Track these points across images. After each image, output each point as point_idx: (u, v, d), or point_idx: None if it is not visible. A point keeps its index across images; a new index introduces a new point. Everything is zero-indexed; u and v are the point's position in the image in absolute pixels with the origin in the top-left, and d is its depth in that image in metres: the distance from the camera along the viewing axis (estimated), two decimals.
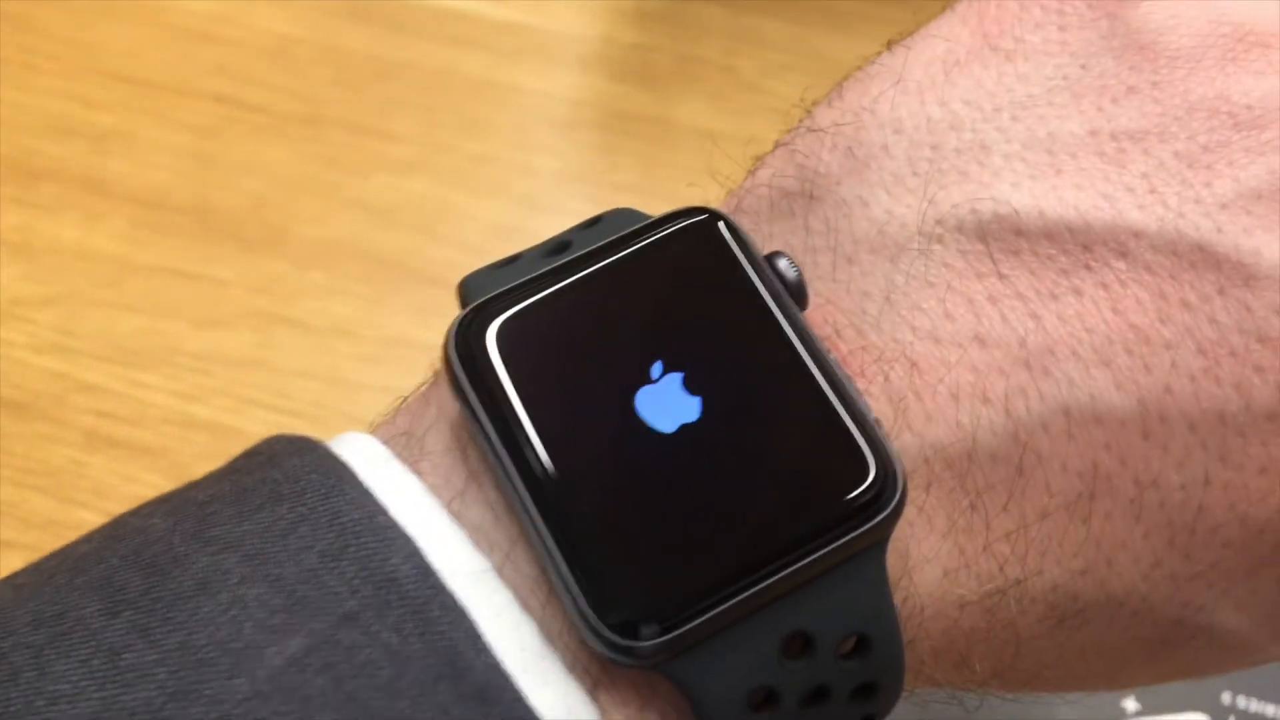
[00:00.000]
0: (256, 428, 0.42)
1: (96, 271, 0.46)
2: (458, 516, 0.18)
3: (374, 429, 0.20)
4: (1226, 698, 0.32)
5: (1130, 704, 0.32)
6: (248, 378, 0.43)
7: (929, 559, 0.19)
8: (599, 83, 0.52)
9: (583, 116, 0.51)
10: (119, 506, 0.20)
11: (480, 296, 0.19)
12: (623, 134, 0.51)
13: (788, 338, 0.18)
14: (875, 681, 0.18)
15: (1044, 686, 0.21)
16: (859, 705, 0.18)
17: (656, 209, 0.21)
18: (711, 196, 0.24)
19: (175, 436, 0.42)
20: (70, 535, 0.20)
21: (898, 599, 0.18)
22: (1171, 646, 0.20)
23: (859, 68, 0.22)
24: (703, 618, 0.17)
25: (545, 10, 0.54)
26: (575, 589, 0.17)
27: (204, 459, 0.37)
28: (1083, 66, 0.20)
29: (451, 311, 0.49)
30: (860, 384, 0.19)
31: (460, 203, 0.49)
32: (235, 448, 0.21)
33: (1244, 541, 0.19)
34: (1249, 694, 0.32)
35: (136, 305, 0.45)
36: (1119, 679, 0.21)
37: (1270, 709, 0.32)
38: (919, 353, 0.19)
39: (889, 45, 0.22)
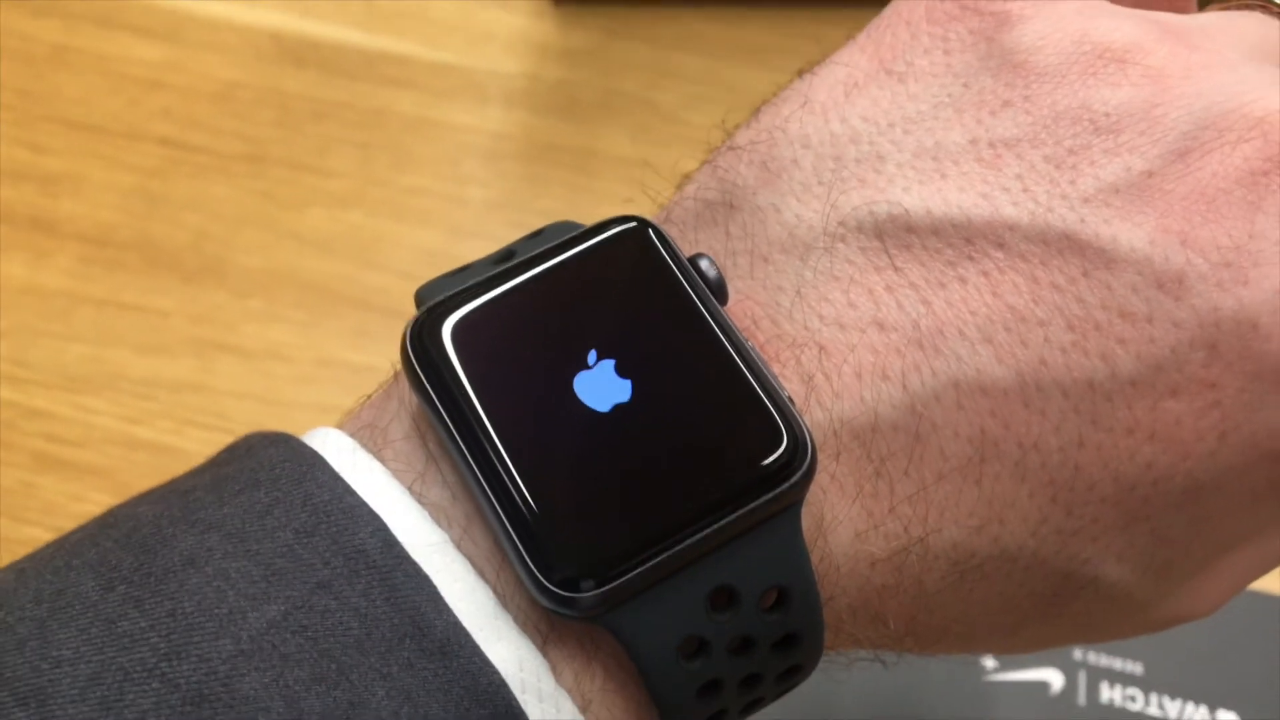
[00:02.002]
0: (196, 447, 0.45)
1: (45, 305, 0.49)
2: (419, 496, 0.20)
3: (341, 424, 0.22)
4: (1078, 654, 0.34)
5: (989, 661, 0.34)
6: (188, 400, 0.46)
7: (841, 521, 0.20)
8: (525, 117, 0.55)
9: (510, 148, 0.54)
10: (68, 523, 0.22)
11: (434, 299, 0.21)
12: (548, 164, 0.53)
13: (709, 327, 0.20)
14: (797, 632, 0.20)
15: (953, 644, 0.23)
16: (784, 655, 0.20)
17: None
18: (646, 211, 0.26)
19: (120, 457, 0.44)
20: (21, 551, 0.21)
21: (815, 559, 0.20)
22: (1064, 599, 0.22)
23: (774, 94, 0.24)
24: (634, 572, 0.19)
25: (474, 51, 0.57)
26: (523, 552, 0.19)
27: (147, 477, 0.39)
28: (964, 85, 0.22)
29: (385, 334, 0.52)
30: (775, 367, 0.21)
31: (393, 232, 0.51)
32: (177, 466, 0.23)
33: (1117, 497, 0.20)
34: (1098, 650, 0.35)
35: (83, 335, 0.48)
36: (1020, 634, 0.23)
37: (1117, 662, 0.34)
38: (826, 338, 0.21)
39: (799, 73, 0.24)
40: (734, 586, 0.19)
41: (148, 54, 0.56)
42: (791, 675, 0.21)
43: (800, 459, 0.19)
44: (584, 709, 0.19)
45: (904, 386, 0.20)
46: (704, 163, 0.24)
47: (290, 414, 0.45)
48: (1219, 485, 0.20)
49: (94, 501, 0.43)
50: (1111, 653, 0.34)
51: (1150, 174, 0.20)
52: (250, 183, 0.53)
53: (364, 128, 0.54)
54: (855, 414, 0.20)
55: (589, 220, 0.23)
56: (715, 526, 0.19)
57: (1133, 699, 0.34)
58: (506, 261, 0.22)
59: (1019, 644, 0.23)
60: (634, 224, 0.21)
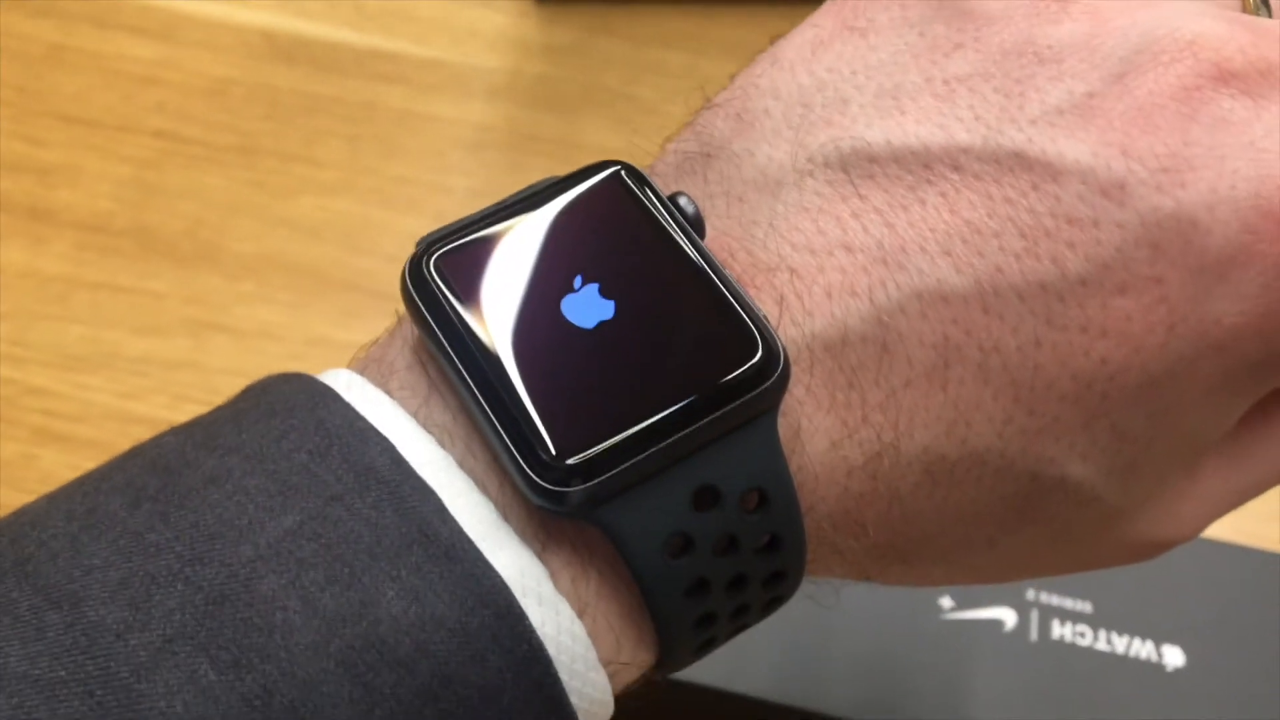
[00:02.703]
0: None
1: (43, 289, 0.50)
2: (424, 420, 0.21)
3: (349, 364, 0.23)
4: (1030, 593, 0.36)
5: (946, 601, 0.36)
6: (181, 378, 0.47)
7: (817, 431, 0.22)
8: (508, 109, 0.57)
9: (493, 139, 0.56)
10: None
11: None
12: (531, 154, 0.55)
13: (686, 252, 0.22)
14: (778, 534, 0.21)
15: (936, 561, 0.24)
16: (768, 559, 0.21)
17: None
18: None
19: (116, 431, 0.46)
20: None
21: (793, 467, 0.21)
22: (1034, 503, 0.23)
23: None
24: (619, 468, 0.20)
25: (460, 48, 0.59)
26: (517, 456, 0.20)
27: None
28: (920, 34, 0.24)
29: (373, 314, 0.53)
30: (751, 292, 0.22)
31: (380, 219, 0.53)
32: None
33: (1076, 394, 0.22)
34: (1050, 590, 0.36)
35: (80, 317, 0.49)
36: (999, 546, 0.24)
37: (1068, 601, 0.36)
38: (798, 262, 0.22)
39: (771, 40, 0.26)
40: (716, 486, 0.21)
41: (143, 52, 0.58)
42: (777, 582, 0.22)
43: (774, 366, 0.21)
44: (581, 613, 0.20)
45: (871, 301, 0.21)
46: (685, 124, 0.26)
47: None
48: (1172, 376, 0.22)
49: None
50: (1062, 592, 0.36)
51: (1091, 95, 0.22)
52: (242, 173, 0.54)
53: (353, 121, 0.56)
54: (826, 329, 0.22)
55: None
56: (695, 426, 0.20)
57: (1082, 635, 0.35)
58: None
59: (1000, 560, 0.24)
60: (616, 166, 0.23)
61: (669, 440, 0.20)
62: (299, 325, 0.49)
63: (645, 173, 0.23)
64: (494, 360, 0.21)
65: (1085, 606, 0.36)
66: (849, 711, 0.34)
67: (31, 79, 0.57)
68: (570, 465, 0.20)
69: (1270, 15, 0.24)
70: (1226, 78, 0.22)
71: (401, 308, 0.22)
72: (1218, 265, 0.21)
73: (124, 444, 0.46)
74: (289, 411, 0.21)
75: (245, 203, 0.53)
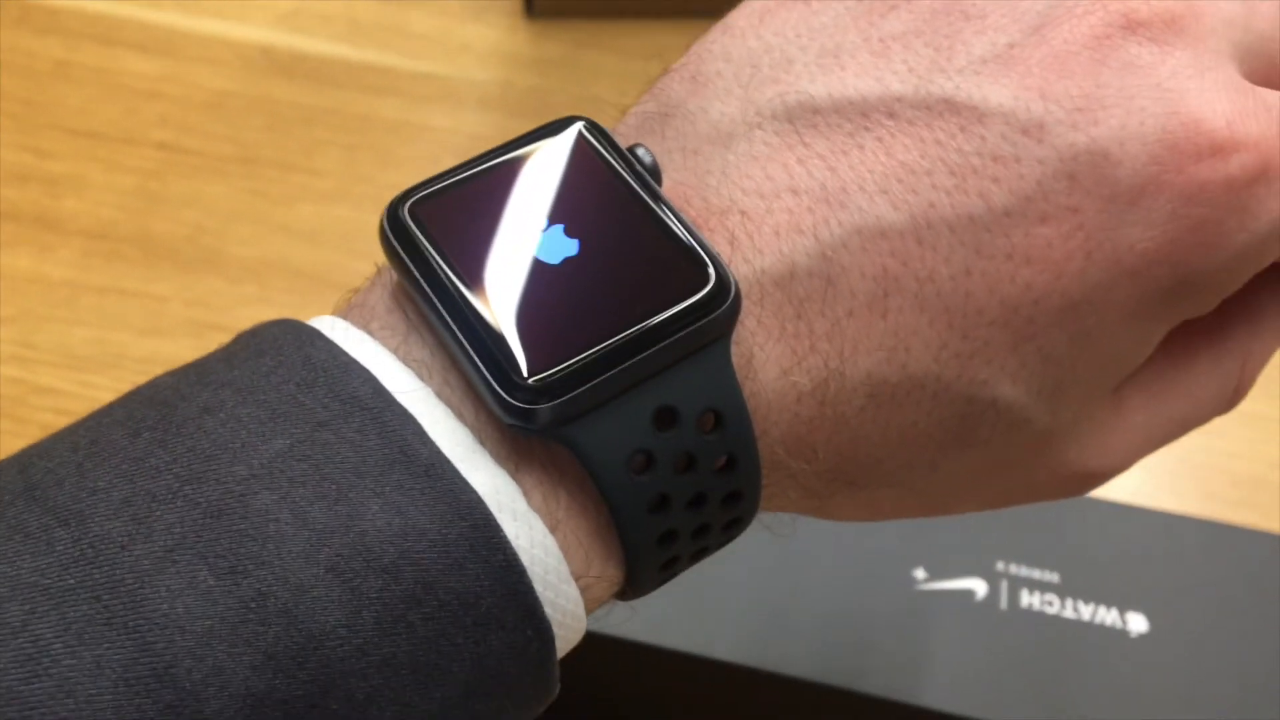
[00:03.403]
0: None
1: (50, 293, 0.52)
2: (403, 356, 0.23)
3: (332, 311, 0.25)
4: (1000, 565, 0.37)
5: (920, 573, 0.37)
6: None
7: (769, 359, 0.23)
8: (500, 119, 0.59)
9: (485, 147, 0.57)
10: None
11: None
12: None
13: (642, 196, 0.23)
14: (734, 454, 0.23)
15: (883, 485, 0.25)
16: (725, 479, 0.23)
17: None
18: None
19: None
20: None
21: (746, 393, 0.23)
22: (970, 425, 0.24)
23: None
24: (583, 387, 0.22)
25: (452, 61, 0.61)
26: (489, 379, 0.22)
27: None
28: (858, 0, 0.26)
29: None
30: (705, 234, 0.24)
31: (376, 224, 0.54)
32: None
33: (1005, 318, 0.23)
34: (1019, 562, 0.38)
35: (87, 320, 0.51)
36: (941, 469, 0.25)
37: (1036, 572, 0.37)
38: (748, 206, 0.24)
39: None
40: (674, 406, 0.22)
41: (145, 68, 0.60)
42: (734, 502, 0.24)
43: (725, 294, 0.22)
44: (553, 529, 0.22)
45: (815, 238, 0.23)
46: (645, 89, 0.28)
47: None
48: (1091, 301, 0.23)
49: None
50: (1031, 563, 0.38)
51: (1012, 45, 0.24)
52: (242, 182, 0.56)
53: (349, 131, 0.58)
54: (775, 264, 0.23)
55: None
56: (653, 350, 0.22)
57: (1050, 604, 0.37)
58: None
59: (943, 485, 0.26)
60: (580, 121, 0.25)
61: (630, 362, 0.22)
62: None
63: (607, 130, 0.25)
64: (467, 295, 0.22)
65: (1053, 577, 0.37)
66: (825, 676, 0.35)
67: (38, 93, 0.59)
68: (538, 385, 0.21)
69: None
70: (1134, 26, 0.24)
71: (382, 259, 0.24)
72: (1129, 194, 0.23)
73: None
74: (277, 350, 0.22)
75: (246, 210, 0.55)
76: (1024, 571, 0.38)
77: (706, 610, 0.36)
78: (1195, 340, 0.27)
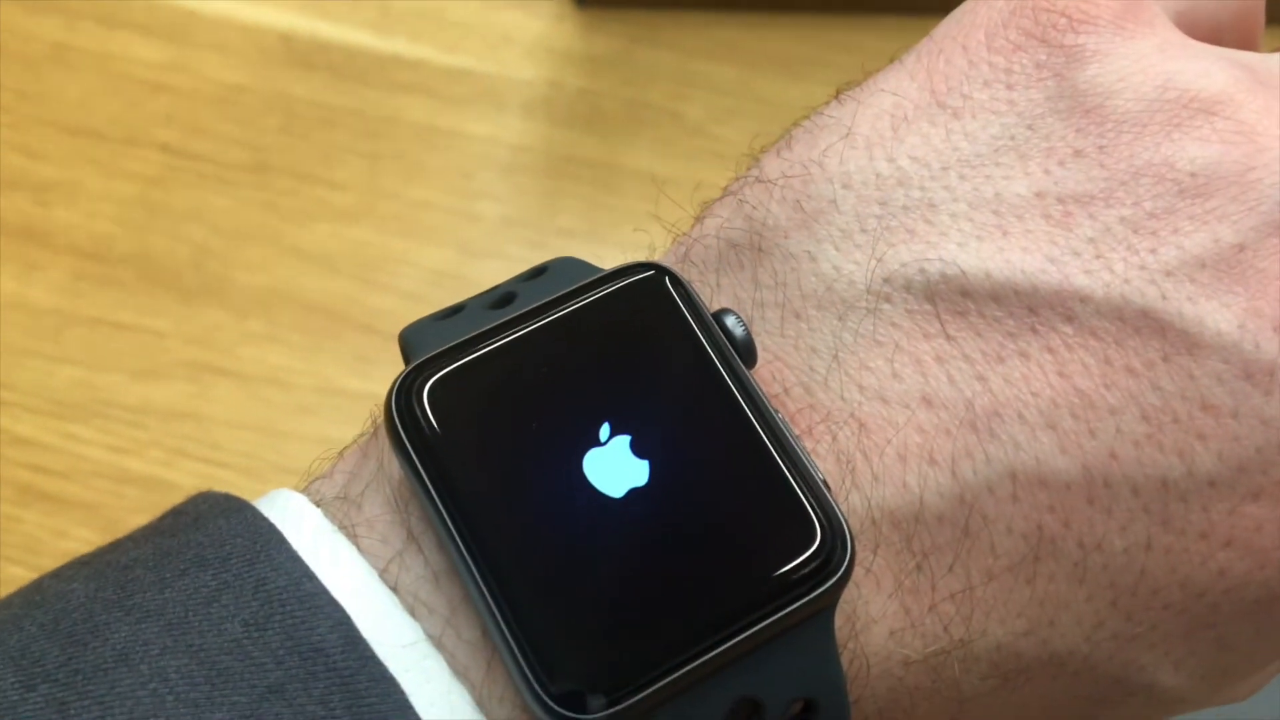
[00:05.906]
0: (188, 480, 0.42)
1: (35, 323, 0.46)
2: (394, 581, 0.18)
3: (308, 484, 0.19)
4: None
5: None
6: (180, 429, 0.43)
7: (876, 619, 0.19)
8: (544, 128, 0.52)
9: (527, 161, 0.51)
10: (51, 562, 0.20)
11: (422, 351, 0.19)
12: (567, 178, 0.51)
13: (735, 399, 0.18)
14: None
15: None
16: None
17: (601, 253, 0.21)
18: (657, 242, 0.24)
19: (108, 491, 0.42)
20: (1, 591, 0.19)
21: (844, 659, 0.18)
22: (1110, 704, 0.20)
23: (807, 116, 0.22)
24: (650, 689, 0.17)
25: (492, 56, 0.54)
26: (520, 655, 0.17)
27: (136, 513, 0.37)
28: (1029, 127, 0.20)
29: (387, 360, 0.49)
30: (808, 444, 0.18)
31: (400, 249, 0.49)
32: (167, 501, 0.21)
33: (1184, 604, 0.18)
34: None
35: (73, 357, 0.45)
36: None
37: None
38: (867, 413, 0.18)
39: (838, 95, 0.22)
40: (758, 699, 0.17)
41: (151, 54, 0.54)
42: None
43: (838, 560, 0.17)
44: None
45: (953, 473, 0.18)
46: (726, 192, 0.22)
47: (287, 445, 0.43)
48: None
49: (78, 539, 0.41)
50: None
51: (1242, 247, 0.18)
52: (253, 194, 0.50)
53: (373, 136, 0.52)
54: (897, 501, 0.18)
55: (607, 244, 0.20)
56: (741, 637, 0.17)
57: None
58: (504, 307, 0.20)
59: None
60: (651, 272, 0.19)
61: (710, 655, 0.17)
62: (309, 370, 0.45)
63: (684, 275, 0.19)
64: (499, 530, 0.17)
65: None
66: None
67: (32, 81, 0.53)
68: (590, 681, 0.17)
69: None
70: None
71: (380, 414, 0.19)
72: None
73: (115, 507, 0.42)
74: (222, 562, 0.17)
75: (256, 228, 0.49)
76: None
77: None
78: None
